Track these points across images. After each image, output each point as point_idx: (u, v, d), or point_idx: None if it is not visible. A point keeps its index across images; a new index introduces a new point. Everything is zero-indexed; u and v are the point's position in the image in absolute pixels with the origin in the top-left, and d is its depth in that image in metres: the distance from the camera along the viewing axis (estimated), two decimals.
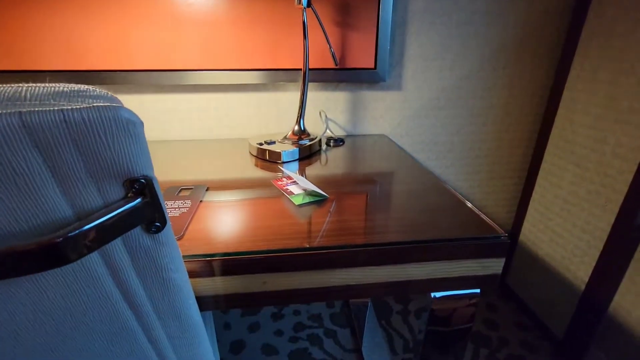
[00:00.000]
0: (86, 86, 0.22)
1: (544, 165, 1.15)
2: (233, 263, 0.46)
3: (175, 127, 1.03)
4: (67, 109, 0.19)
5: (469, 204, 0.61)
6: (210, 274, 0.47)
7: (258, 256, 0.46)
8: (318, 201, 0.62)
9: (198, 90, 1.00)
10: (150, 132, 1.03)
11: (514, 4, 1.01)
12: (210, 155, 0.89)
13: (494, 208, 1.30)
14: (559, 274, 1.10)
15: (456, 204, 0.61)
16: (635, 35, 0.85)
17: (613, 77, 0.91)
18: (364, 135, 1.11)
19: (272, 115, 1.06)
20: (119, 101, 0.23)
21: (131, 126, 0.21)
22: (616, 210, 0.91)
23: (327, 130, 1.09)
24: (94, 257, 0.25)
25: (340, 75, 1.00)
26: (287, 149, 0.85)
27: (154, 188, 0.24)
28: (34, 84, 0.21)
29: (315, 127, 1.09)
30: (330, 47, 0.91)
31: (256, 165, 0.84)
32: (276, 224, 0.54)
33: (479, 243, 0.50)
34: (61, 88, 0.21)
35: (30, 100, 0.20)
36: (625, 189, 0.89)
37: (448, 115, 1.12)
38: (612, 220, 0.92)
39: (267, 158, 0.86)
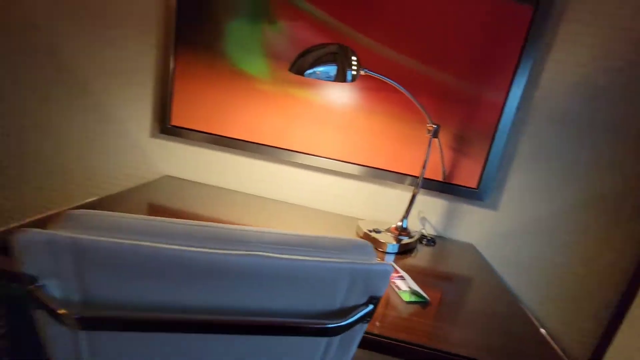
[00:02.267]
0: (364, 241, 0.43)
1: (635, 310, 1.14)
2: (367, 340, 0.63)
3: (298, 194, 1.29)
4: (374, 264, 0.39)
5: (548, 337, 0.70)
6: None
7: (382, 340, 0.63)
8: (420, 302, 0.77)
9: (326, 172, 1.26)
10: (279, 194, 1.30)
11: (613, 160, 1.12)
12: (324, 225, 1.10)
13: (572, 335, 1.29)
14: None
15: (534, 334, 0.71)
16: None
17: None
18: (453, 240, 1.24)
19: (376, 203, 1.26)
20: (374, 251, 0.44)
21: (388, 274, 0.40)
22: None
23: (422, 229, 1.26)
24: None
25: (445, 187, 1.18)
26: (391, 242, 1.02)
27: (380, 300, 0.43)
28: (349, 240, 0.42)
29: (411, 220, 1.26)
30: (443, 166, 1.10)
31: None
32: (388, 313, 0.71)
33: None
34: (360, 244, 0.42)
35: (347, 254, 0.41)
36: None
37: (535, 241, 1.21)
38: None
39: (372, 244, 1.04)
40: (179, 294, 0.35)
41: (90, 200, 0.95)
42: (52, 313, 0.34)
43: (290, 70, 0.79)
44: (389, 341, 0.63)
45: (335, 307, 0.42)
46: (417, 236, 1.13)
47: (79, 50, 1.25)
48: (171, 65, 1.17)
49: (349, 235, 1.09)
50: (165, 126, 1.24)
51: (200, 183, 1.30)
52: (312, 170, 1.26)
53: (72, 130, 1.34)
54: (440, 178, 1.18)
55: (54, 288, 0.34)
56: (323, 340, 0.45)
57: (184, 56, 1.16)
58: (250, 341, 0.42)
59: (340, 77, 0.78)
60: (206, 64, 1.16)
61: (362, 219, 1.24)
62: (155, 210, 0.98)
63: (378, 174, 1.21)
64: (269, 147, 1.22)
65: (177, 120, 1.23)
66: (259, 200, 1.23)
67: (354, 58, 0.78)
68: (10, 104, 1.34)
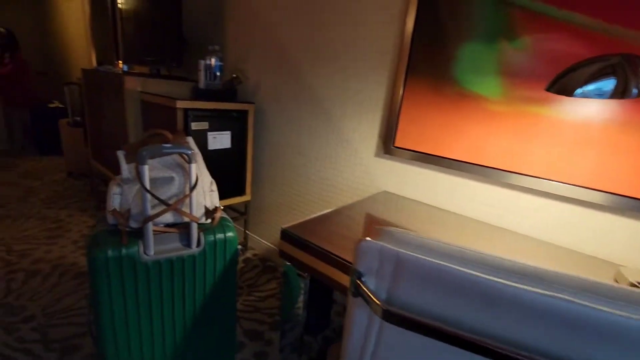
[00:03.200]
0: None
1: None
2: None
3: (528, 223, 1.14)
4: None
5: None
6: None
7: None
8: None
9: (567, 201, 1.07)
10: (503, 220, 1.20)
11: None
12: (564, 266, 0.93)
13: None
14: None
15: None
16: None
17: None
18: None
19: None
20: None
21: None
22: None
23: None
24: None
25: None
26: None
27: None
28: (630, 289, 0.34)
29: None
30: None
31: None
32: None
33: None
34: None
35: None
36: None
37: None
38: None
39: None
40: (470, 316, 0.39)
41: (328, 211, 1.18)
42: (368, 301, 0.45)
43: (550, 90, 0.72)
44: None
45: None
46: None
47: (326, 84, 1.59)
48: (400, 92, 1.30)
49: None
50: (389, 147, 1.38)
51: (414, 200, 1.37)
52: (549, 197, 1.10)
53: (316, 149, 1.71)
54: None
55: (370, 284, 0.45)
56: None
57: (412, 83, 1.27)
58: None
59: (620, 93, 0.65)
60: (432, 89, 1.23)
61: (624, 265, 0.97)
62: (371, 221, 1.11)
63: None
64: (494, 170, 1.15)
65: (400, 141, 1.35)
66: (476, 225, 1.17)
67: None
68: (282, 136, 1.86)
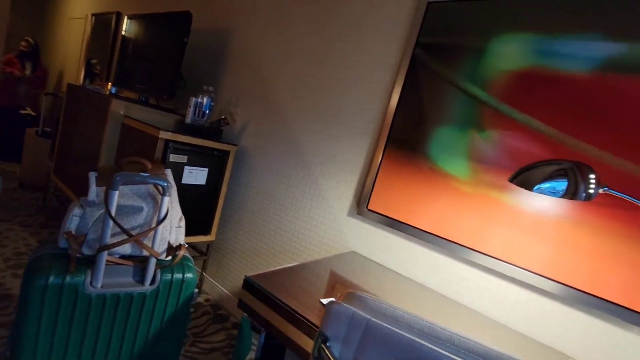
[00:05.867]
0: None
1: None
2: None
3: (484, 303, 1.17)
4: None
5: None
6: None
7: None
8: None
9: (523, 286, 1.12)
10: (460, 296, 1.22)
11: None
12: (516, 350, 0.94)
13: None
14: None
15: None
16: None
17: None
18: None
19: (597, 343, 1.00)
20: None
21: None
22: None
23: None
24: None
25: None
26: None
27: None
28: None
29: None
30: None
31: None
32: None
33: None
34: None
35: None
36: None
37: None
38: None
39: None
40: None
41: (295, 264, 1.16)
42: None
43: (512, 181, 0.80)
44: None
45: None
46: None
47: (309, 140, 1.66)
48: (379, 159, 1.38)
49: None
50: (362, 209, 1.42)
51: (380, 265, 1.38)
52: (506, 279, 1.14)
53: (290, 200, 1.72)
54: None
55: (335, 350, 0.44)
56: None
57: (391, 153, 1.36)
58: None
59: (571, 194, 0.73)
60: (408, 161, 1.31)
61: (572, 359, 1.00)
62: (336, 280, 1.10)
63: (600, 305, 0.97)
64: (456, 245, 1.20)
65: (373, 205, 1.40)
66: (435, 297, 1.19)
67: (592, 176, 0.73)
68: (259, 181, 1.87)
